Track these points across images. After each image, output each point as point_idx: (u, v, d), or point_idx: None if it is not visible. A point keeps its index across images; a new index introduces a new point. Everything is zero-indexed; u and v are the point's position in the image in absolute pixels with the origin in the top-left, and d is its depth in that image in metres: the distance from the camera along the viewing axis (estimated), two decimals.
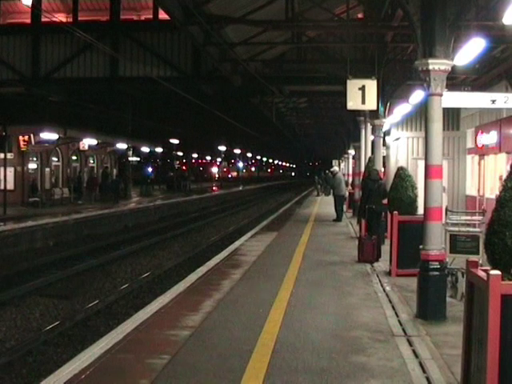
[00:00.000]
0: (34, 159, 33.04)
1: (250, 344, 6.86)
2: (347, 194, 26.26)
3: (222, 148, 71.52)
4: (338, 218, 22.98)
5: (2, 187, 26.09)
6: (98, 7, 23.30)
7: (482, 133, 19.31)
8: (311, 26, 17.59)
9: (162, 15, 19.61)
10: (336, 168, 25.46)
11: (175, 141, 52.13)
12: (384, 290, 10.07)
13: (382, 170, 18.71)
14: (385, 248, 13.12)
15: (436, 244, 8.16)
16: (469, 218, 10.97)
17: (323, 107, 37.23)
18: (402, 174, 11.71)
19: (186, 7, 14.53)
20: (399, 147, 23.21)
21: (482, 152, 19.66)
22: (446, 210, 10.94)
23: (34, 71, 21.88)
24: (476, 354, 4.69)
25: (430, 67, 7.98)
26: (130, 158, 44.73)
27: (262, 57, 20.16)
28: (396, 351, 6.69)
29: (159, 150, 53.17)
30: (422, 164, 10.23)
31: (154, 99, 42.44)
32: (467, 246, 9.85)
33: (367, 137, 20.87)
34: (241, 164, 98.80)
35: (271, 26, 16.69)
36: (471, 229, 10.31)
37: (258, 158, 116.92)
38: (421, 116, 20.83)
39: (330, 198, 30.11)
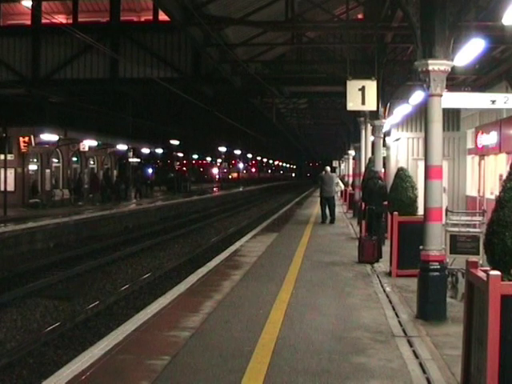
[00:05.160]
0: (35, 160, 33.04)
1: (250, 345, 6.86)
2: (333, 195, 23.39)
3: (223, 149, 71.54)
4: (322, 220, 22.36)
5: (3, 188, 26.11)
6: (97, 8, 23.34)
7: (482, 133, 19.32)
8: (311, 26, 17.61)
9: (162, 16, 19.64)
10: (327, 168, 24.47)
11: (175, 142, 52.15)
12: (384, 291, 10.07)
13: (382, 170, 18.70)
14: (385, 249, 13.13)
15: (436, 244, 8.16)
16: (469, 218, 10.97)
17: (323, 108, 37.25)
18: (402, 175, 11.70)
19: (186, 8, 14.55)
20: (399, 148, 23.22)
21: (482, 152, 19.66)
22: (446, 210, 10.93)
23: (35, 72, 21.91)
24: (476, 354, 4.69)
25: (430, 68, 7.98)
26: (131, 159, 44.74)
27: (261, 58, 20.18)
28: (396, 352, 6.69)
29: (159, 151, 53.20)
30: (422, 164, 10.24)
31: (154, 100, 42.46)
32: (467, 247, 9.86)
33: (367, 137, 20.87)
34: (241, 165, 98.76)
35: (271, 26, 16.73)
36: (471, 229, 10.31)
37: (259, 158, 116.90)
38: (421, 116, 20.83)
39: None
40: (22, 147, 30.73)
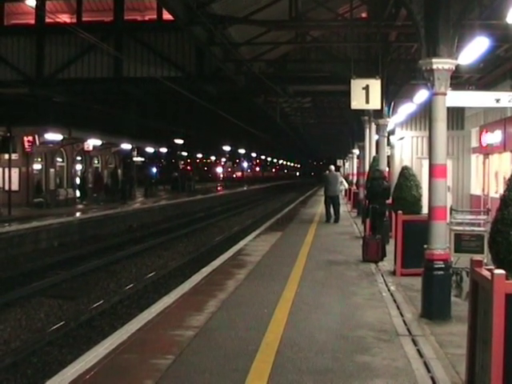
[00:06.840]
0: (39, 160, 33.09)
1: (254, 344, 6.86)
2: (337, 194, 23.11)
3: (227, 148, 71.54)
4: (327, 219, 22.34)
5: (7, 188, 26.16)
6: (101, 8, 23.31)
7: (486, 132, 19.28)
8: (315, 25, 17.60)
9: (166, 15, 19.62)
10: (332, 167, 24.55)
11: (179, 141, 52.16)
12: (389, 290, 10.06)
13: (387, 169, 18.66)
14: (389, 248, 13.11)
15: (440, 243, 8.15)
16: (473, 217, 10.94)
17: (327, 107, 37.25)
18: (406, 174, 11.69)
19: (190, 7, 14.54)
20: (403, 146, 23.19)
21: (486, 151, 19.62)
22: (451, 209, 10.93)
23: (39, 72, 21.90)
24: (480, 353, 4.68)
25: (434, 66, 7.97)
26: (135, 159, 44.79)
27: (265, 57, 20.14)
28: (400, 351, 6.68)
29: (164, 150, 53.21)
30: (426, 163, 10.23)
31: (158, 99, 42.42)
32: (472, 246, 9.84)
33: (371, 136, 20.84)
34: (245, 164, 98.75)
35: (275, 25, 16.71)
36: (476, 228, 10.29)
37: (263, 157, 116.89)
38: (425, 115, 20.75)
39: None
40: (27, 147, 30.77)
